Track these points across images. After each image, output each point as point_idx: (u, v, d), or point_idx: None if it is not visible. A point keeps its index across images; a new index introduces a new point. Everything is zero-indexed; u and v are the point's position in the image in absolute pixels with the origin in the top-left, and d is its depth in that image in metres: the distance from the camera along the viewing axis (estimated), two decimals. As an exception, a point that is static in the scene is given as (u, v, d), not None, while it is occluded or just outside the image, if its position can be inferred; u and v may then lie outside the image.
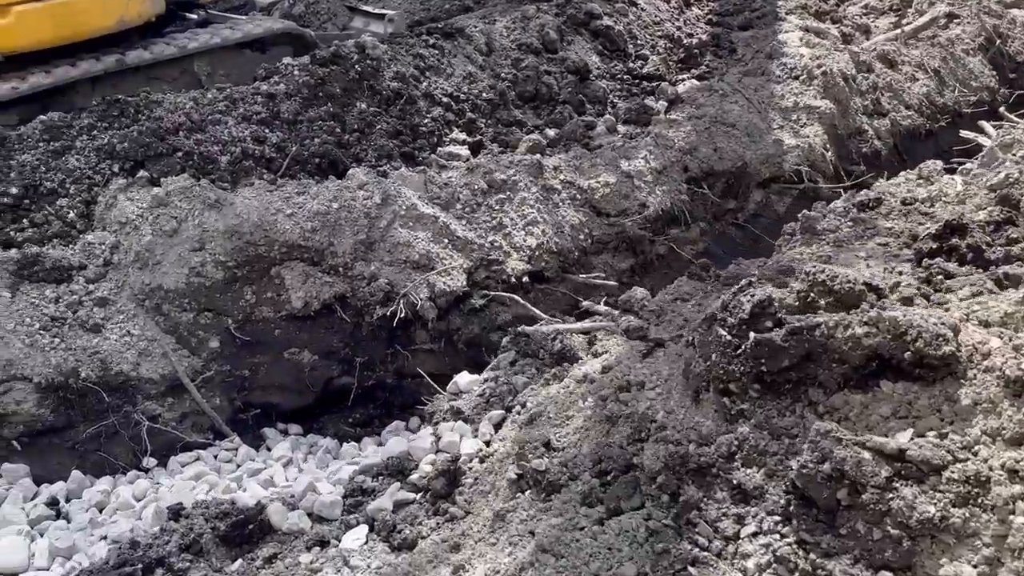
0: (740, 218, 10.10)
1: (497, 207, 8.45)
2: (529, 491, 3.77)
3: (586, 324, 5.95)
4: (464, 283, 7.87)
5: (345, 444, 7.32)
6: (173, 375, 7.02)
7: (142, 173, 7.67)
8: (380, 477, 4.49)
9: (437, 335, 7.82)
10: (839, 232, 6.67)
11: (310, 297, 7.53)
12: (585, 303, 8.34)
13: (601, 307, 6.83)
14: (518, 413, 4.64)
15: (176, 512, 4.32)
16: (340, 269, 7.63)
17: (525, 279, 8.23)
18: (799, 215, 7.32)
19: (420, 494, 4.33)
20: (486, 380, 5.17)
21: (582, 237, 8.71)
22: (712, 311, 3.82)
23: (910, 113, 12.16)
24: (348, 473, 5.20)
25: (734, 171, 9.99)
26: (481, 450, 4.48)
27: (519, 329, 5.89)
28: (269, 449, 7.27)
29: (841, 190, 10.41)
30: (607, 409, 3.78)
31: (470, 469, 4.30)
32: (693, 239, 9.65)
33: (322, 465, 6.89)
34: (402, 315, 7.40)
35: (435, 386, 6.77)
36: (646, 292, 6.21)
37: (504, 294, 8.05)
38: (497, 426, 4.71)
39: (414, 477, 4.45)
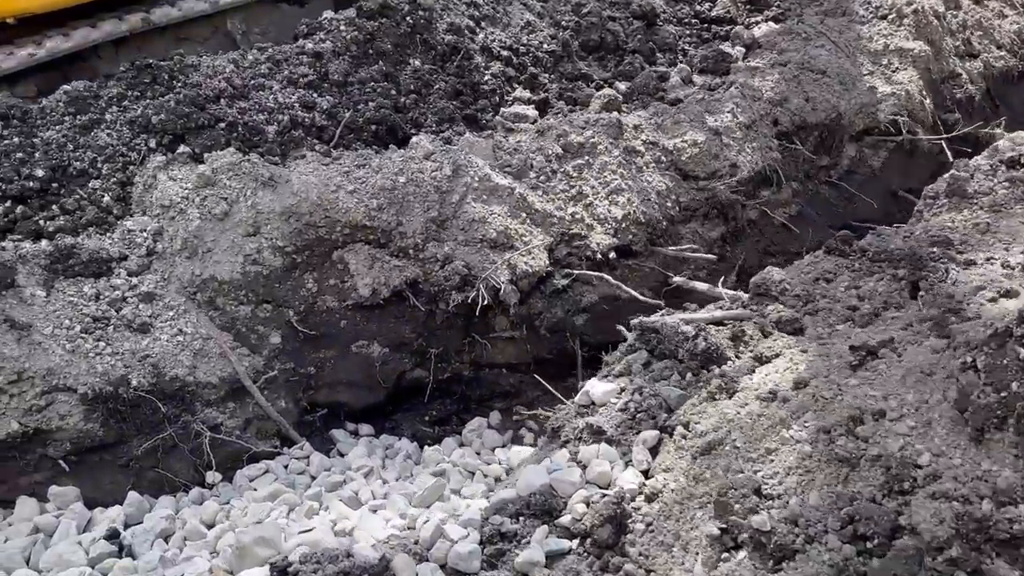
0: (833, 176, 9.15)
1: (575, 174, 7.55)
2: (745, 555, 3.00)
3: (718, 314, 5.11)
4: (546, 262, 7.01)
5: (426, 447, 6.57)
6: (233, 377, 6.24)
7: (183, 148, 6.78)
8: (521, 518, 3.73)
9: (518, 321, 7.00)
10: (994, 195, 5.75)
11: (378, 284, 6.70)
12: (678, 279, 7.53)
13: (723, 290, 5.97)
14: (683, 437, 3.83)
15: (282, 571, 3.55)
16: (410, 251, 6.78)
17: (612, 255, 7.36)
18: (945, 176, 6.38)
19: (576, 541, 3.56)
20: (624, 389, 4.35)
21: (669, 204, 7.81)
22: (1006, 325, 2.98)
23: (1002, 54, 11.10)
24: (476, 505, 4.44)
25: (827, 123, 9.01)
26: (644, 485, 3.70)
27: (642, 321, 5.05)
28: (342, 455, 6.52)
29: (943, 143, 9.46)
30: (837, 446, 2.97)
31: (636, 510, 3.52)
32: (785, 201, 8.74)
33: (404, 474, 6.15)
34: (484, 302, 6.56)
35: (556, 394, 6.00)
36: (783, 272, 5.34)
37: (589, 272, 7.20)
38: (653, 450, 3.91)
39: (565, 519, 3.68)
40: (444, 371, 6.99)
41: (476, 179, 7.09)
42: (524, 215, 7.17)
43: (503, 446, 6.72)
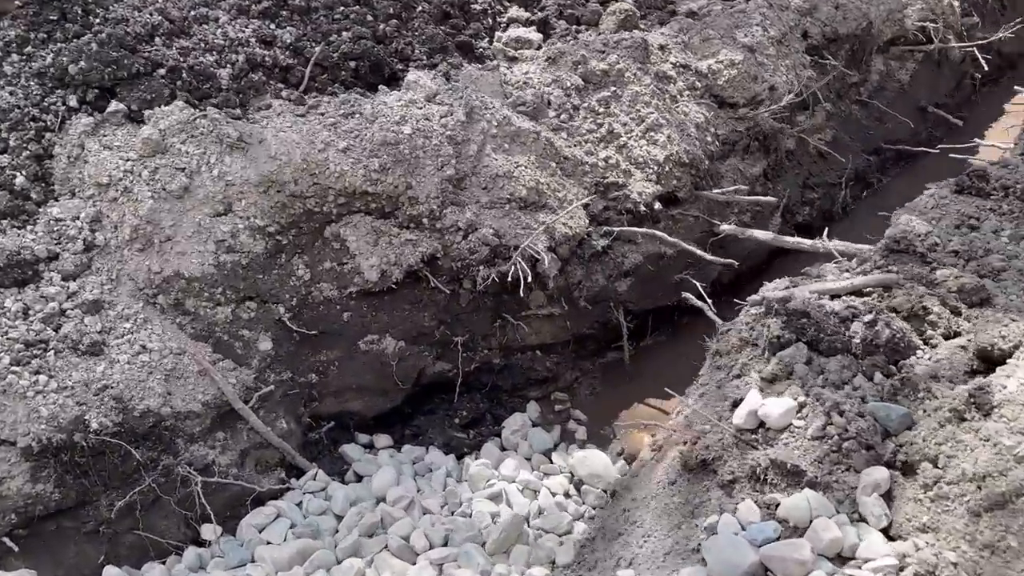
0: (864, 93, 8.14)
1: (602, 109, 6.27)
2: None
3: (857, 280, 4.02)
4: (586, 222, 5.78)
5: (466, 459, 5.37)
6: (219, 400, 4.85)
7: (115, 105, 5.17)
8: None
9: (557, 294, 5.79)
10: None
11: (387, 264, 5.34)
12: (727, 228, 6.42)
13: (834, 244, 4.89)
14: (935, 480, 2.76)
15: None
16: (424, 220, 5.43)
17: (656, 205, 6.17)
18: None
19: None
20: (805, 406, 3.24)
21: (709, 139, 6.64)
22: None
23: (1008, -54, 10.22)
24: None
25: (858, 33, 7.95)
26: (905, 558, 2.62)
27: (783, 300, 3.92)
28: (359, 477, 5.25)
29: (974, 50, 8.54)
30: None
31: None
32: (820, 127, 7.69)
33: (452, 499, 4.95)
34: (526, 277, 5.30)
35: (674, 394, 4.82)
36: (927, 225, 4.28)
37: (634, 229, 6.01)
38: (886, 496, 2.83)
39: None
40: (471, 361, 5.74)
41: (495, 124, 5.73)
42: (554, 165, 5.88)
43: (554, 447, 5.58)
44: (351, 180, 5.23)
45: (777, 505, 2.97)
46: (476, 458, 5.44)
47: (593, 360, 6.37)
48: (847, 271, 4.43)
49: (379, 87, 5.90)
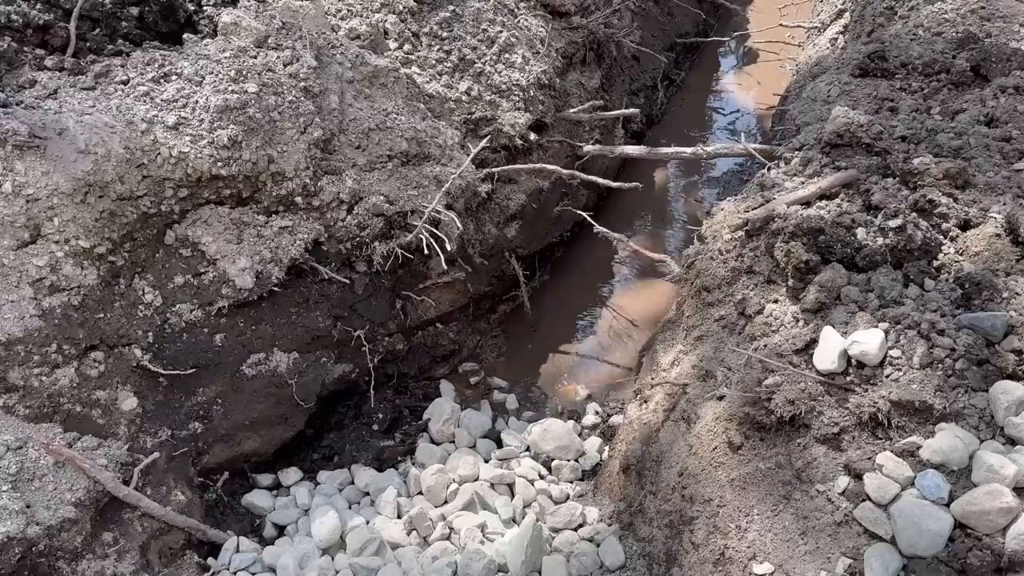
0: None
1: (446, 33, 5.43)
2: None
3: (824, 183, 3.76)
4: (473, 167, 5.02)
5: (412, 470, 4.54)
6: (95, 493, 3.56)
7: None
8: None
9: (456, 256, 5.02)
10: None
11: (262, 263, 4.22)
12: (591, 148, 6.01)
13: (714, 148, 4.58)
14: None
15: None
16: (297, 199, 4.34)
17: (532, 136, 5.55)
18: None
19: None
20: (889, 332, 2.89)
21: (553, 55, 6.08)
22: None
23: None
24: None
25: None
26: None
27: (766, 219, 3.56)
28: (280, 529, 4.26)
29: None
30: None
31: None
32: (629, 28, 7.42)
33: (422, 526, 4.13)
34: (432, 244, 4.48)
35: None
36: (866, 115, 4.12)
37: (518, 167, 5.37)
38: None
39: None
40: (375, 354, 4.83)
41: (348, 65, 4.68)
42: (422, 106, 4.99)
43: (492, 426, 4.94)
44: (195, 164, 3.98)
45: (918, 449, 2.67)
46: (414, 464, 4.64)
47: (488, 318, 5.72)
48: (795, 175, 4.19)
49: (179, 38, 4.55)
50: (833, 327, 3.09)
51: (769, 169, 4.46)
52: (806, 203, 3.85)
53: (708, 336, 3.82)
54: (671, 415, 3.77)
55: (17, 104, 3.77)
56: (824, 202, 3.81)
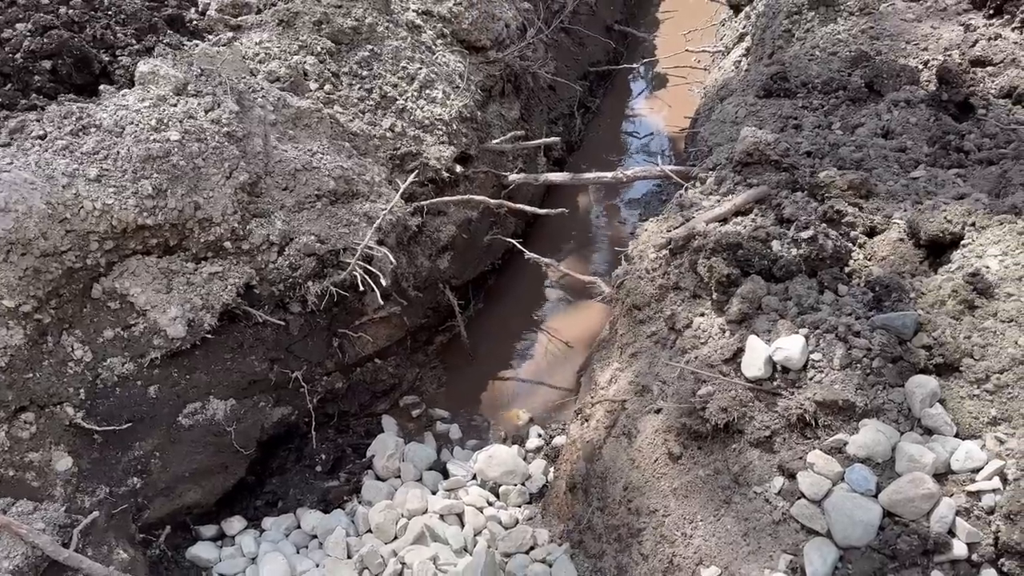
0: (564, 20, 8.22)
1: (366, 72, 5.51)
2: None
3: (739, 200, 3.96)
4: (402, 202, 5.09)
5: (359, 508, 4.53)
6: (33, 558, 3.44)
7: None
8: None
9: (390, 290, 5.05)
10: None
11: (193, 310, 4.18)
12: (516, 177, 6.16)
13: (633, 171, 4.80)
14: (980, 375, 2.76)
15: None
16: (226, 244, 4.32)
17: (458, 168, 5.65)
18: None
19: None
20: (809, 336, 3.04)
21: (473, 88, 6.22)
22: None
23: None
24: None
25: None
26: (1000, 451, 2.60)
27: (687, 236, 3.73)
28: (231, 579, 4.19)
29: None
30: None
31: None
32: (543, 59, 7.63)
33: (374, 563, 4.12)
34: (366, 280, 4.52)
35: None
36: (772, 133, 4.36)
37: (445, 199, 5.45)
38: (943, 402, 2.77)
39: (959, 549, 2.49)
40: (314, 395, 4.81)
41: (270, 108, 4.71)
42: (347, 145, 5.04)
43: (438, 457, 4.96)
44: (120, 216, 3.93)
45: (844, 445, 2.84)
46: (361, 502, 4.63)
47: (426, 350, 5.76)
48: (711, 194, 4.40)
49: (95, 89, 4.50)
50: (757, 335, 3.26)
51: (686, 189, 4.66)
52: (723, 220, 4.04)
53: (642, 352, 3.96)
54: (612, 431, 3.88)
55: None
56: (740, 218, 4.02)
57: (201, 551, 4.32)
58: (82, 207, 3.85)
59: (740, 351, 3.29)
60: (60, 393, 3.82)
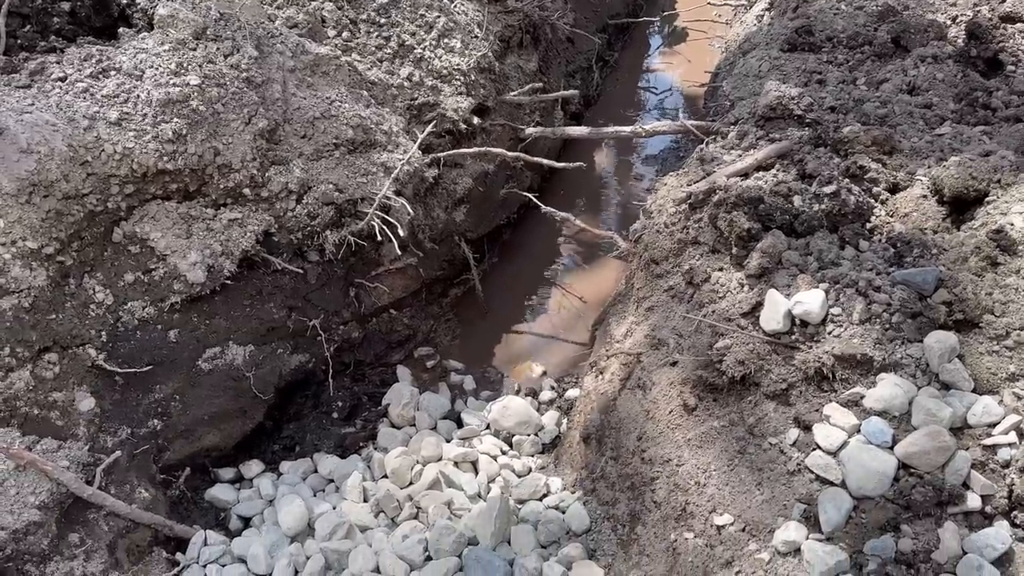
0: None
1: (384, 19, 5.44)
2: None
3: (760, 155, 3.93)
4: (420, 153, 5.07)
5: (375, 454, 4.61)
6: (58, 494, 3.53)
7: None
8: (908, 526, 2.46)
9: (407, 241, 5.06)
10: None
11: (213, 256, 4.21)
12: (534, 130, 6.11)
13: (653, 126, 4.74)
14: (1000, 332, 2.78)
15: None
16: (245, 191, 4.33)
17: (475, 120, 5.61)
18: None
19: (1006, 523, 2.46)
20: (829, 291, 3.04)
21: (491, 39, 6.14)
22: None
23: None
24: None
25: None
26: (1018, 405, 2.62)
27: (709, 191, 3.72)
28: (246, 521, 4.29)
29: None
30: None
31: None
32: (563, 10, 7.52)
33: (389, 507, 4.21)
34: (384, 230, 4.53)
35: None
36: (797, 88, 4.31)
37: (463, 151, 5.42)
38: (962, 358, 2.79)
39: (973, 501, 2.53)
40: (331, 343, 4.85)
41: (289, 54, 4.68)
42: (365, 93, 5.01)
43: (452, 407, 5.01)
44: (140, 160, 3.94)
45: (861, 399, 2.86)
46: (376, 449, 4.71)
47: (441, 303, 5.79)
48: (732, 148, 4.37)
49: (114, 32, 4.48)
50: (777, 290, 3.26)
51: (707, 144, 4.63)
52: (744, 175, 4.02)
53: (658, 306, 3.97)
54: (627, 384, 3.91)
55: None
56: (761, 173, 3.99)
57: (220, 492, 4.41)
58: (103, 150, 3.85)
59: (759, 305, 3.30)
60: (82, 335, 3.88)
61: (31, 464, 3.46)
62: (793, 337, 3.15)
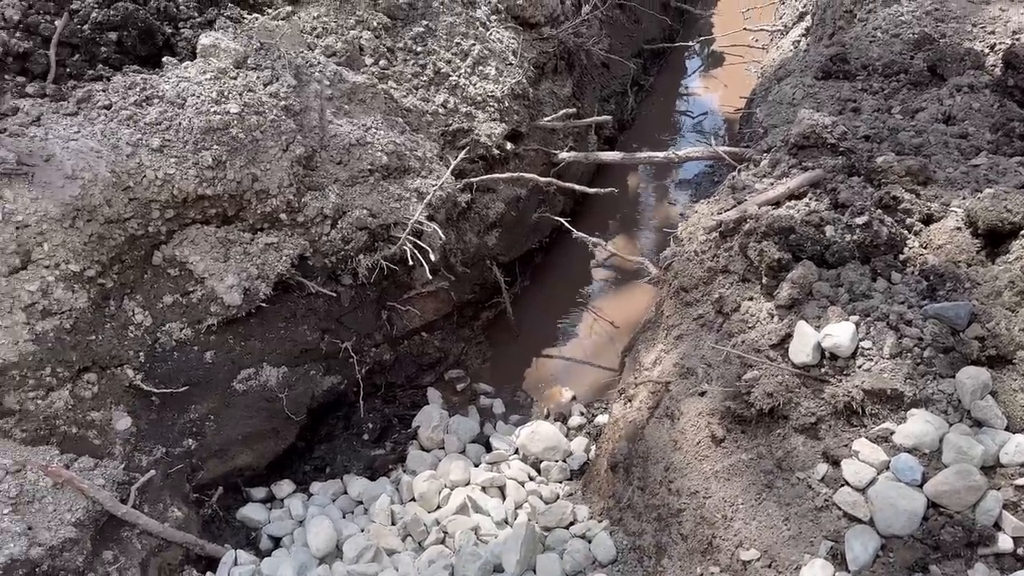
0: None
1: (420, 48, 5.54)
2: None
3: (792, 184, 3.92)
4: (452, 178, 5.13)
5: (403, 476, 4.65)
6: (94, 512, 3.61)
7: None
8: (930, 569, 2.42)
9: (439, 265, 5.11)
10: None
11: (249, 280, 4.30)
12: (567, 155, 6.14)
13: (685, 152, 4.73)
14: None
15: None
16: (282, 216, 4.42)
17: (509, 145, 5.67)
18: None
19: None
20: (860, 324, 3.02)
21: (525, 65, 6.20)
22: None
23: None
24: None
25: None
26: None
27: (739, 220, 3.71)
28: (276, 541, 4.34)
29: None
30: None
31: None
32: (597, 35, 7.58)
33: (416, 531, 4.23)
34: (416, 254, 4.59)
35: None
36: (830, 116, 4.28)
37: (495, 176, 5.48)
38: (994, 394, 2.74)
39: (1005, 543, 2.48)
40: (363, 365, 4.91)
41: (327, 82, 4.78)
42: (400, 120, 5.09)
43: (481, 431, 5.04)
44: (181, 185, 4.05)
45: (891, 434, 2.82)
46: (405, 471, 4.74)
47: (472, 326, 5.83)
48: (764, 176, 4.35)
49: (158, 60, 4.62)
50: (807, 321, 3.23)
51: (739, 171, 4.62)
52: (776, 203, 4.00)
53: (687, 335, 3.96)
54: (655, 412, 3.90)
55: (1, 132, 3.82)
56: (793, 202, 3.97)
57: (251, 512, 4.48)
58: (145, 176, 3.97)
59: (788, 336, 3.27)
60: (121, 355, 3.98)
61: (68, 482, 3.56)
62: (823, 370, 3.12)
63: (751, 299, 3.65)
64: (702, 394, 3.61)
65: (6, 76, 4.26)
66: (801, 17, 7.39)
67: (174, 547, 3.95)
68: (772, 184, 4.20)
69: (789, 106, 5.01)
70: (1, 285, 3.54)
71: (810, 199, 3.94)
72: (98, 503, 3.62)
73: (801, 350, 3.15)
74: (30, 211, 3.63)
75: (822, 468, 2.95)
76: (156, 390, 4.06)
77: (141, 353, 4.07)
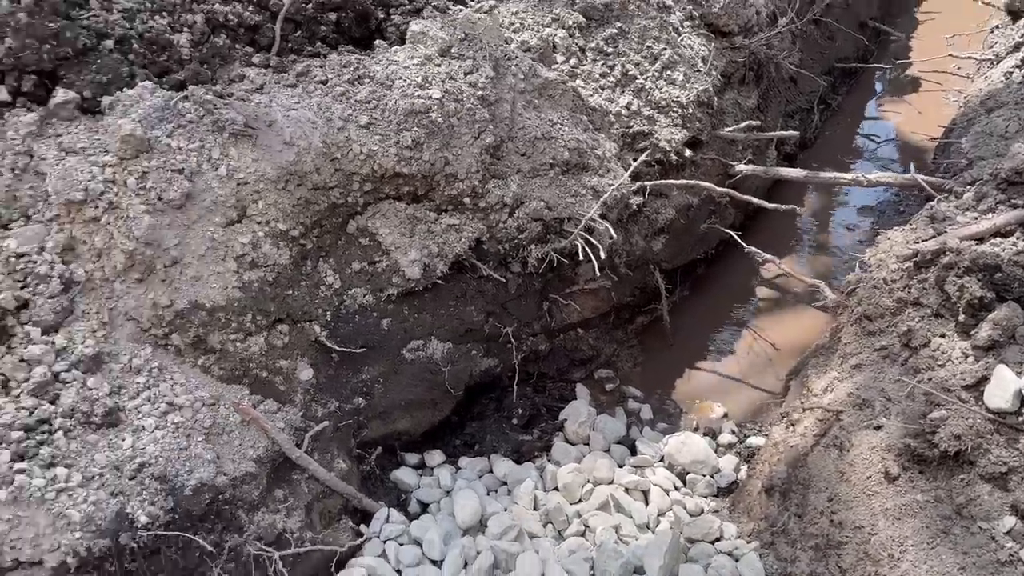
0: (816, 11, 7.83)
1: (611, 49, 5.60)
2: None
3: (1000, 220, 3.70)
4: (629, 180, 5.16)
5: (548, 465, 4.74)
6: (271, 452, 3.91)
7: (63, 95, 3.92)
8: None
9: (604, 264, 5.14)
10: None
11: (429, 256, 4.50)
12: (744, 168, 6.01)
13: (876, 176, 4.52)
14: None
15: None
16: (465, 200, 4.60)
17: (687, 152, 5.64)
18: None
19: None
20: None
21: (714, 74, 6.14)
22: None
23: None
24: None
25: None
26: None
27: (937, 251, 3.54)
28: (424, 506, 4.52)
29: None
30: None
31: None
32: (789, 49, 7.38)
33: (558, 520, 4.31)
34: (587, 251, 4.65)
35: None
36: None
37: (670, 181, 5.46)
38: None
39: None
40: (519, 352, 5.03)
41: (521, 76, 4.92)
42: (585, 119, 5.17)
43: (627, 433, 5.05)
44: (381, 162, 4.30)
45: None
46: (550, 461, 4.83)
47: (627, 328, 5.84)
48: (967, 209, 4.12)
49: (370, 43, 4.92)
50: (1007, 366, 3.05)
51: (939, 202, 4.40)
52: (979, 239, 3.80)
53: (867, 365, 3.82)
54: (821, 440, 3.79)
55: (229, 96, 4.19)
56: (999, 239, 3.75)
57: (404, 475, 4.70)
58: (351, 149, 4.24)
59: (984, 379, 3.10)
60: (311, 312, 4.27)
61: (254, 421, 3.87)
62: (1020, 419, 2.94)
63: (943, 336, 3.48)
64: (878, 428, 3.48)
65: (236, 46, 4.66)
66: (1017, 47, 6.89)
67: (335, 496, 4.21)
68: (976, 218, 3.98)
69: (1000, 139, 4.72)
70: (219, 234, 3.89)
71: (1018, 237, 3.72)
72: (277, 444, 3.91)
73: (999, 395, 2.99)
74: (251, 170, 3.97)
75: (1009, 521, 2.78)
76: (337, 348, 4.33)
77: (328, 312, 4.35)
